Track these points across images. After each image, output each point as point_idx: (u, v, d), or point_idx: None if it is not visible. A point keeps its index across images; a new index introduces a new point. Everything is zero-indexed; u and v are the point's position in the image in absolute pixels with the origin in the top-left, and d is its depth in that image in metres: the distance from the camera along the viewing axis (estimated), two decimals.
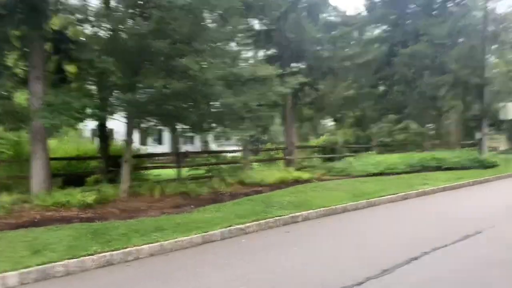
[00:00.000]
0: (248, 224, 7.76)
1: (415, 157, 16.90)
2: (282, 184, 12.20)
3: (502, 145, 51.46)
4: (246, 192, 10.77)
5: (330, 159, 18.25)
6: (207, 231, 7.19)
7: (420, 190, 12.19)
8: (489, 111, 19.22)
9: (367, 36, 21.88)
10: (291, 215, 8.55)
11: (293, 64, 17.25)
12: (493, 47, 20.67)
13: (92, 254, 5.76)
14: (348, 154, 18.76)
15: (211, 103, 9.66)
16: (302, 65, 17.29)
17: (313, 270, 5.27)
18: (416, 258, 5.46)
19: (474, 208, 9.31)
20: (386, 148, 18.83)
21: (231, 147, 16.86)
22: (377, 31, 22.85)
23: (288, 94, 16.13)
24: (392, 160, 16.16)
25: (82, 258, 5.64)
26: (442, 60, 18.24)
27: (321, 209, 9.21)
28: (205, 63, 8.79)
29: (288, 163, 15.78)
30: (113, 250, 5.95)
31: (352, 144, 20.26)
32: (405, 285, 4.57)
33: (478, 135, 19.84)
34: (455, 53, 17.92)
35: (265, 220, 8.06)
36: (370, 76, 20.29)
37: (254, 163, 15.57)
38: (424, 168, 16.60)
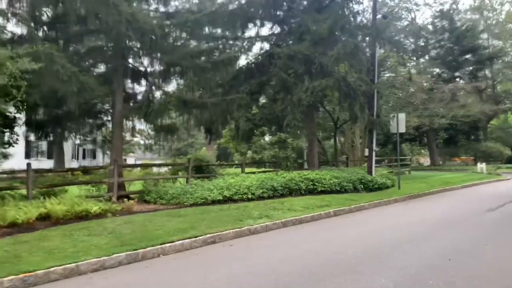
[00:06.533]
0: None
1: (282, 178, 13.68)
2: (42, 223, 8.40)
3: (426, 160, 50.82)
4: None
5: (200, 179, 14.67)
6: None
7: (244, 228, 8.84)
8: (378, 123, 16.47)
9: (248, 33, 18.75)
10: None
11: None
12: (380, 48, 18.24)
13: None
14: (214, 174, 15.32)
15: None
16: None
17: None
18: None
19: (252, 273, 5.85)
20: (256, 165, 15.54)
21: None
22: (264, 29, 19.79)
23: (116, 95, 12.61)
24: (249, 182, 12.82)
25: None
26: (321, 62, 15.26)
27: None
28: None
29: (112, 187, 11.99)
30: None
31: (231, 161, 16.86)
32: None
33: (366, 151, 17.06)
34: (336, 53, 14.98)
35: None
36: (245, 80, 17.08)
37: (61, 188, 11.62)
38: (292, 191, 13.48)
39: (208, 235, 8.07)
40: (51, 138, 19.32)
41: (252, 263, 6.43)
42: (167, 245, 7.34)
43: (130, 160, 59.64)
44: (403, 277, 5.38)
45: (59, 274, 5.87)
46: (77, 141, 32.06)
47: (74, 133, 14.88)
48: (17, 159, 19.33)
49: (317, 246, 7.61)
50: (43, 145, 35.81)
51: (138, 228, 8.25)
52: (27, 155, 34.17)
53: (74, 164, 37.05)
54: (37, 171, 10.64)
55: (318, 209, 11.36)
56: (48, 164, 33.77)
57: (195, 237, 7.87)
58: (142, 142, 36.19)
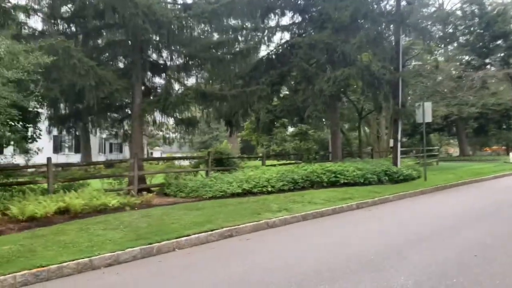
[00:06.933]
0: None
1: (303, 170, 13.41)
2: (60, 217, 8.43)
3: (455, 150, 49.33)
4: None
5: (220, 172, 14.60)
6: None
7: (262, 222, 8.64)
8: (403, 113, 15.92)
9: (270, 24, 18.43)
10: None
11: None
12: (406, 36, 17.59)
13: None
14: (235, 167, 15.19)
15: None
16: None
17: None
18: None
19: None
20: (277, 158, 15.31)
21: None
22: (284, 19, 19.40)
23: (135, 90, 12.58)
24: (269, 175, 12.62)
25: None
26: (343, 50, 14.84)
27: None
28: None
29: (133, 180, 12.01)
30: None
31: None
32: None
33: (391, 142, 16.55)
34: (358, 40, 14.53)
35: None
36: (266, 71, 16.81)
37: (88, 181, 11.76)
38: (313, 184, 13.20)
39: (224, 229, 7.91)
40: (74, 133, 19.63)
41: (268, 258, 6.23)
42: (183, 239, 7.23)
43: (156, 154, 60.42)
44: (425, 275, 5.07)
45: (72, 269, 5.82)
46: (103, 136, 32.56)
47: (95, 128, 15.01)
48: (45, 154, 19.76)
49: (337, 240, 7.35)
50: (71, 140, 36.50)
51: (154, 221, 8.18)
52: (55, 150, 34.90)
53: (101, 158, 37.71)
54: (59, 165, 10.74)
55: (340, 202, 11.05)
56: (75, 158, 34.51)
57: (212, 230, 7.73)
58: (166, 135, 36.39)
